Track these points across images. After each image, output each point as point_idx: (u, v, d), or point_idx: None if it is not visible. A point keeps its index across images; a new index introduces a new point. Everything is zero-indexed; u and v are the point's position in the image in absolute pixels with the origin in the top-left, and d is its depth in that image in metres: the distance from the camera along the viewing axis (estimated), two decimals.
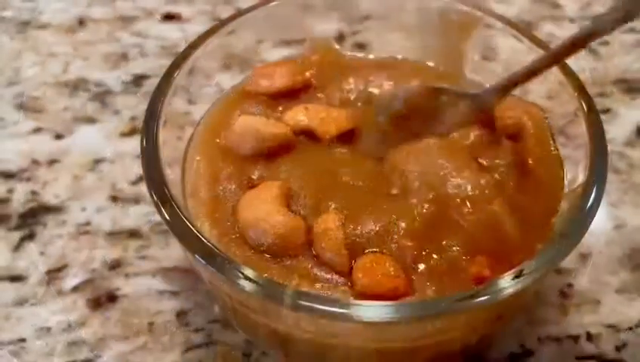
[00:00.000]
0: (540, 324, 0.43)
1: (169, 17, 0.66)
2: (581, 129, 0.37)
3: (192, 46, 0.42)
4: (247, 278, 0.30)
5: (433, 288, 0.33)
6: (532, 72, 0.36)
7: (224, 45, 0.44)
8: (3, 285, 0.44)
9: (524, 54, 0.42)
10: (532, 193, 0.37)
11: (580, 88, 0.38)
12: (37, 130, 0.54)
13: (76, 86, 0.58)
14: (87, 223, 0.48)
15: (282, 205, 0.36)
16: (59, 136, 0.54)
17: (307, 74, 0.44)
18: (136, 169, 0.51)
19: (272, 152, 0.39)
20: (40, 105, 0.56)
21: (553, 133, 0.41)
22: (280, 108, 0.42)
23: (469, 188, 0.35)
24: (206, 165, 0.40)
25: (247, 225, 0.35)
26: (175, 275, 0.45)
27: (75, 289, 0.44)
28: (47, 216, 0.48)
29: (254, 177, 0.39)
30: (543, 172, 0.38)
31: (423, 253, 0.34)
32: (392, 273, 0.33)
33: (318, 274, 0.34)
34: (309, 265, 0.35)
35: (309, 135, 0.41)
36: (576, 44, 0.34)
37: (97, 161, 0.52)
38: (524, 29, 0.43)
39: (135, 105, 0.56)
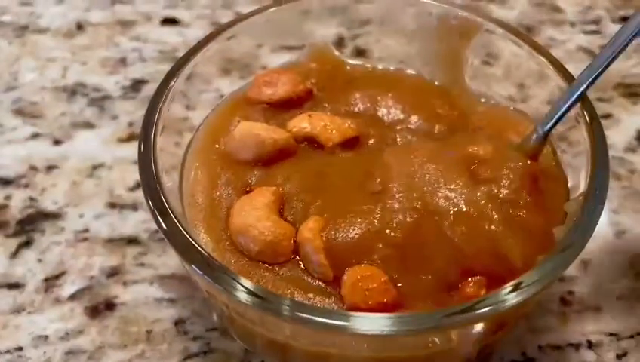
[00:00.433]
0: (540, 332, 0.43)
1: (168, 22, 0.65)
2: (582, 135, 0.37)
3: (191, 51, 0.42)
4: (243, 289, 0.29)
5: (421, 304, 0.32)
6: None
7: (223, 50, 0.44)
8: (0, 292, 0.44)
9: (525, 60, 0.42)
10: (534, 207, 0.35)
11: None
12: (35, 136, 0.54)
13: (74, 91, 0.58)
14: (86, 230, 0.48)
15: (274, 211, 0.35)
16: (57, 142, 0.54)
17: (309, 83, 0.44)
18: (134, 175, 0.50)
19: (272, 158, 0.39)
20: (38, 111, 0.56)
21: (553, 143, 0.40)
22: (282, 116, 0.42)
23: (462, 200, 0.34)
24: (204, 171, 0.40)
25: (237, 231, 0.35)
26: (173, 283, 0.44)
27: (73, 296, 0.44)
28: (45, 222, 0.48)
29: (252, 182, 0.39)
30: (544, 184, 0.37)
31: (410, 265, 0.33)
32: (381, 287, 0.32)
33: (311, 282, 0.34)
34: (301, 273, 0.34)
35: (312, 142, 0.40)
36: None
37: (96, 167, 0.52)
38: (524, 34, 0.42)
39: (133, 111, 0.56)
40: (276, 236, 0.34)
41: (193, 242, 0.31)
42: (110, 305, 0.43)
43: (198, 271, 0.30)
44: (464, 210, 0.34)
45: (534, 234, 0.34)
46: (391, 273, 0.33)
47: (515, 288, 0.29)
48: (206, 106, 0.44)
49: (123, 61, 0.61)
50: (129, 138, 0.54)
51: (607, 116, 0.56)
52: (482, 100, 0.44)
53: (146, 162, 0.35)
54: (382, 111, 0.42)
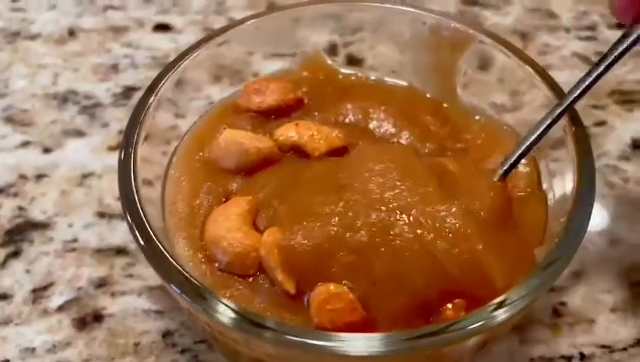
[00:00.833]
0: (532, 344, 0.42)
1: (161, 28, 0.65)
2: (570, 145, 0.37)
3: (179, 57, 0.41)
4: (223, 310, 0.29)
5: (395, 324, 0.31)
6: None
7: (214, 56, 0.43)
8: None
9: (516, 71, 0.41)
10: (512, 224, 0.34)
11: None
12: (25, 144, 0.54)
13: (65, 98, 0.58)
14: (74, 240, 0.47)
15: (246, 222, 0.35)
16: (47, 150, 0.53)
17: (299, 92, 0.44)
18: None
19: (256, 167, 0.39)
20: (28, 119, 0.56)
21: (537, 163, 0.39)
22: (270, 125, 0.42)
23: (437, 216, 0.32)
24: (187, 178, 0.39)
25: (210, 242, 0.35)
26: (161, 294, 0.44)
27: (61, 308, 0.43)
28: (34, 232, 0.48)
29: (233, 191, 0.38)
30: (523, 205, 0.36)
31: (380, 281, 0.32)
32: (347, 307, 0.31)
33: (282, 296, 0.33)
34: (273, 287, 0.33)
35: (298, 152, 0.40)
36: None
37: (85, 176, 0.51)
38: (515, 47, 0.42)
39: (124, 118, 0.55)
40: (244, 248, 0.34)
41: (171, 260, 0.31)
42: (98, 317, 0.43)
43: (177, 290, 0.30)
44: (437, 223, 0.32)
45: (512, 253, 0.33)
46: (360, 291, 0.31)
47: (498, 307, 0.28)
48: (196, 114, 0.43)
49: (115, 68, 0.61)
50: (118, 146, 0.53)
51: (602, 123, 0.56)
52: (475, 113, 0.43)
53: (126, 174, 0.34)
54: (373, 124, 0.42)
